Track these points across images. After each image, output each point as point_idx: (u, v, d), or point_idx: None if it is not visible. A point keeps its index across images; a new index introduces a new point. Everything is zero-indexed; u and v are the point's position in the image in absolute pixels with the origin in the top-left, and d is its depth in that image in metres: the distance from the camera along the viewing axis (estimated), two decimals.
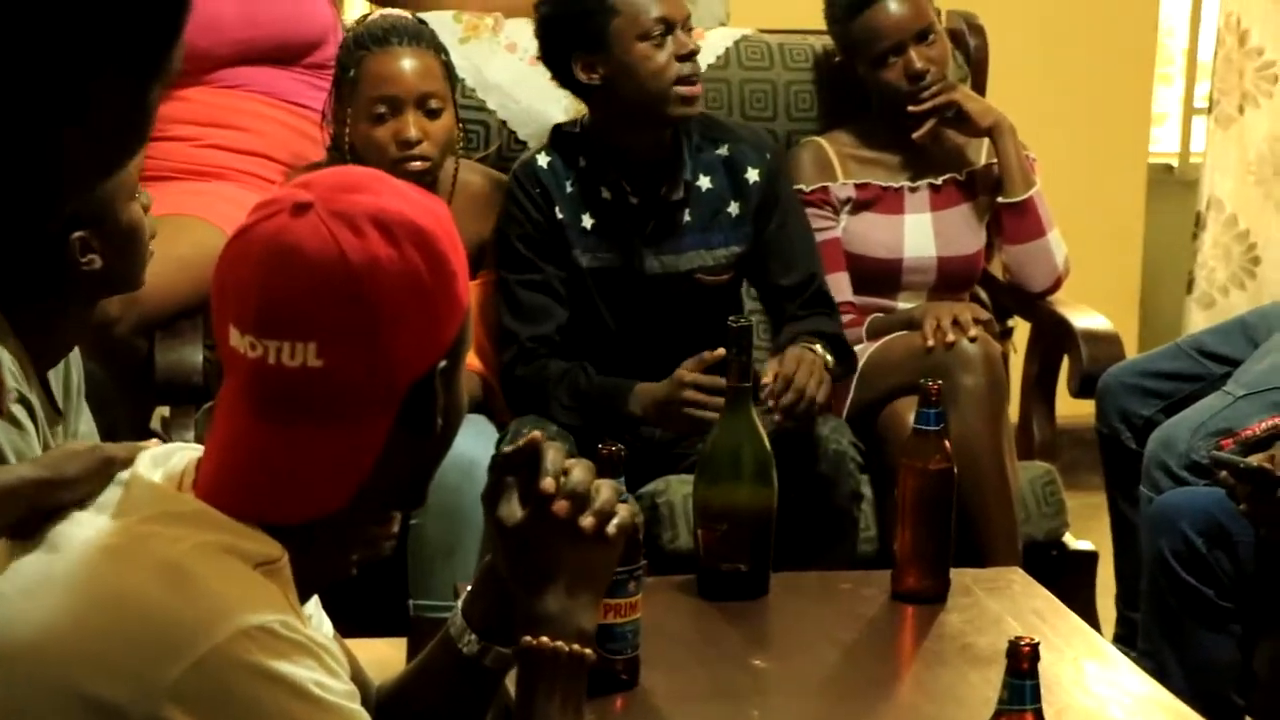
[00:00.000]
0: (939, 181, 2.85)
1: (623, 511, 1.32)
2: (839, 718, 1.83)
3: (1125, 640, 2.59)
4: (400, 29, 2.54)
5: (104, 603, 1.15)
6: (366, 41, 2.53)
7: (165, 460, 1.26)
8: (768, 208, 2.61)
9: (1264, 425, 2.29)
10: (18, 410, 1.66)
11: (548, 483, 1.29)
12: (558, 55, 2.52)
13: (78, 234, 1.71)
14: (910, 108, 2.78)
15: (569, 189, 2.56)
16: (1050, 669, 1.47)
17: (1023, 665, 1.41)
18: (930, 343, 2.55)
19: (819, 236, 2.73)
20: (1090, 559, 2.68)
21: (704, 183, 2.58)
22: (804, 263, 2.62)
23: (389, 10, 2.72)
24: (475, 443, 2.38)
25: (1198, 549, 2.35)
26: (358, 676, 1.32)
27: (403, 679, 1.44)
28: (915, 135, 2.80)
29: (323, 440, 1.20)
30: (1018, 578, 2.13)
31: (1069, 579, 2.56)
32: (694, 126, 2.56)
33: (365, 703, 1.25)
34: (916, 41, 2.76)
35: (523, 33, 2.80)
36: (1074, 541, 2.69)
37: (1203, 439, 2.46)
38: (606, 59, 2.47)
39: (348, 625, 1.51)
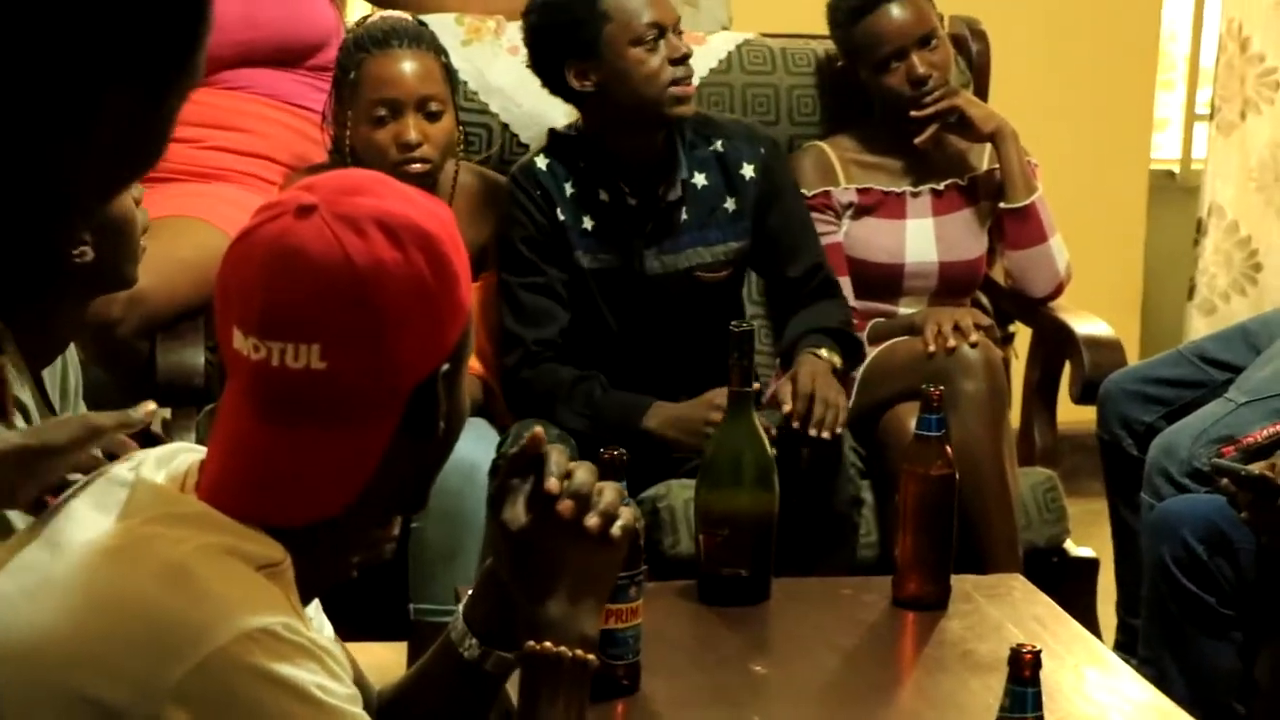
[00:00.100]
0: (941, 187, 2.85)
1: (626, 513, 1.32)
2: None
3: (1126, 647, 2.60)
4: (400, 31, 2.54)
5: (106, 604, 1.15)
6: (367, 44, 2.53)
7: (168, 461, 1.26)
8: (767, 201, 2.62)
9: (1266, 432, 2.29)
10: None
11: (552, 483, 1.29)
12: (549, 63, 2.52)
13: None
14: (912, 113, 2.78)
15: (569, 191, 2.56)
16: (1051, 676, 1.47)
17: (1024, 673, 1.41)
18: (931, 348, 2.55)
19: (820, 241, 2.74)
20: (1091, 566, 2.68)
21: (699, 180, 2.58)
22: (808, 252, 2.64)
23: (389, 12, 2.72)
24: (476, 446, 2.38)
25: (1199, 556, 2.36)
26: (359, 680, 1.32)
27: (403, 683, 1.44)
28: (917, 140, 2.80)
29: (326, 443, 1.20)
30: (1019, 584, 2.13)
31: (1070, 585, 2.56)
32: (686, 124, 2.57)
33: (366, 707, 1.25)
34: (919, 47, 2.76)
35: None
36: (1075, 548, 2.69)
37: (1204, 446, 2.46)
38: (599, 65, 2.47)
39: (348, 629, 1.51)
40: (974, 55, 3.02)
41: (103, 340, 2.47)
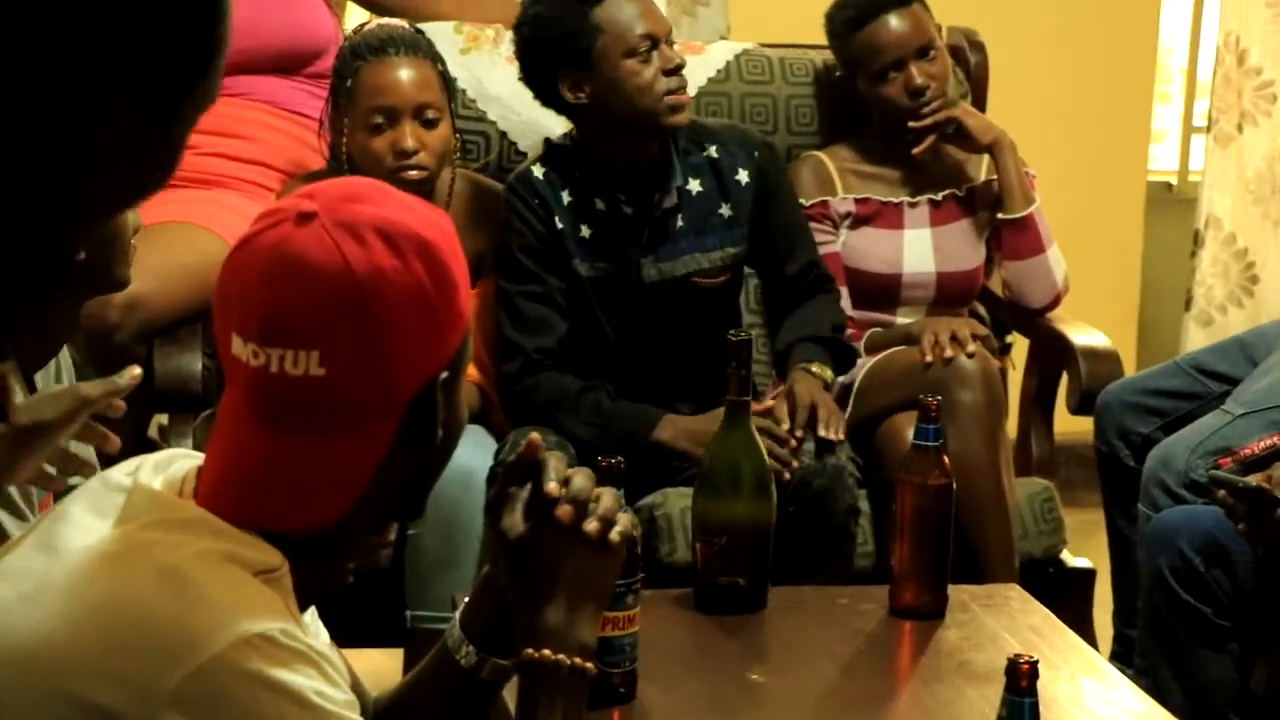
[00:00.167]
0: (939, 197, 2.86)
1: (624, 519, 1.32)
2: None
3: (1122, 658, 2.60)
4: (397, 39, 2.54)
5: (104, 609, 1.15)
6: (363, 51, 2.53)
7: (165, 467, 1.26)
8: (764, 204, 2.63)
9: (1263, 444, 2.30)
10: None
11: (552, 486, 1.29)
12: (542, 75, 2.52)
13: None
14: (910, 123, 2.78)
15: (566, 200, 2.56)
16: (1048, 687, 1.47)
17: (1022, 683, 1.41)
18: (928, 358, 2.55)
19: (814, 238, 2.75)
20: (1088, 576, 2.68)
21: (694, 186, 2.59)
22: (803, 249, 2.66)
23: (386, 20, 2.72)
24: (474, 454, 2.38)
25: (1196, 567, 2.36)
26: (355, 687, 1.32)
27: (400, 690, 1.44)
28: (915, 151, 2.80)
29: (324, 449, 1.20)
30: (1015, 594, 2.13)
31: (1066, 596, 2.56)
32: (680, 131, 2.57)
33: (363, 713, 1.25)
34: (917, 57, 2.76)
35: None
36: (1071, 559, 2.69)
37: (1201, 457, 2.46)
38: (593, 77, 2.47)
39: (344, 635, 1.51)
40: (972, 66, 3.03)
41: (100, 345, 2.47)
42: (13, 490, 1.83)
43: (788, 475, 2.33)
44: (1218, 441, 2.46)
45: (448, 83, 2.60)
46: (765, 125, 2.91)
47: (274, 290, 1.18)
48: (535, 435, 1.34)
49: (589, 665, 1.31)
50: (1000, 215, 2.84)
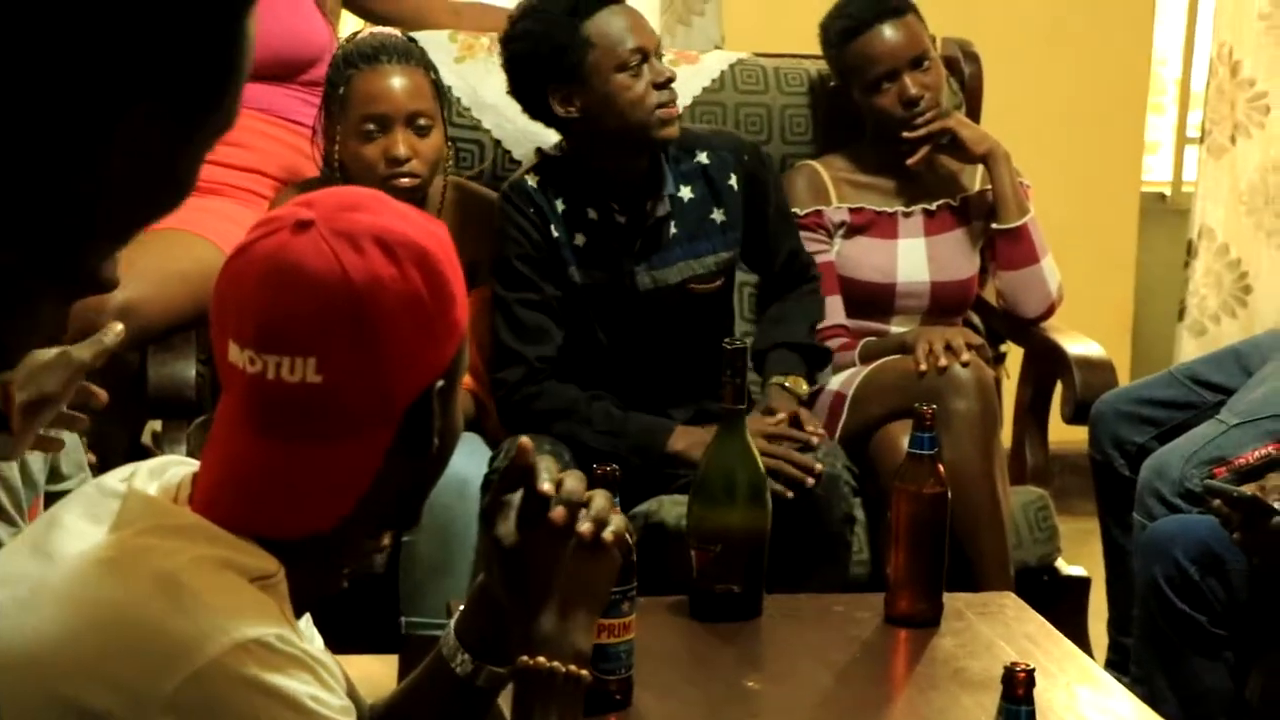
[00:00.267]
0: (933, 207, 2.86)
1: (616, 520, 1.32)
2: None
3: (1117, 666, 2.60)
4: (390, 47, 2.54)
5: (100, 615, 1.15)
6: (356, 59, 2.54)
7: (160, 474, 1.26)
8: (755, 204, 2.64)
9: (1257, 454, 2.30)
10: None
11: (546, 485, 1.29)
12: (531, 89, 2.52)
13: None
14: (904, 134, 2.78)
15: (560, 208, 2.56)
16: (1043, 695, 1.47)
17: (1018, 691, 1.41)
18: (923, 367, 2.55)
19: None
20: (1082, 584, 2.68)
21: (685, 193, 2.60)
22: (787, 240, 2.70)
23: (379, 28, 2.72)
24: (468, 461, 2.38)
25: (1191, 576, 2.36)
26: (350, 694, 1.32)
27: (395, 698, 1.44)
28: (909, 161, 2.80)
29: (320, 457, 1.20)
30: (1010, 602, 2.13)
31: (1061, 604, 2.56)
32: (670, 141, 2.58)
33: None
34: (911, 68, 2.76)
35: None
36: (1066, 567, 2.69)
37: (1196, 467, 2.46)
38: (584, 91, 2.47)
39: (339, 642, 1.51)
40: (966, 77, 3.03)
41: None
42: (2, 496, 1.83)
43: (791, 494, 2.34)
44: (1212, 451, 2.47)
45: (440, 90, 2.60)
46: (760, 135, 2.91)
47: (271, 297, 1.18)
48: (525, 439, 1.34)
49: (584, 673, 1.30)
50: (994, 225, 2.84)
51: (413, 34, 2.71)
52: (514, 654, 1.31)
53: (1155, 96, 4.28)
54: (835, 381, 2.69)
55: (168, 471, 1.26)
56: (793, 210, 2.77)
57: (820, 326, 2.75)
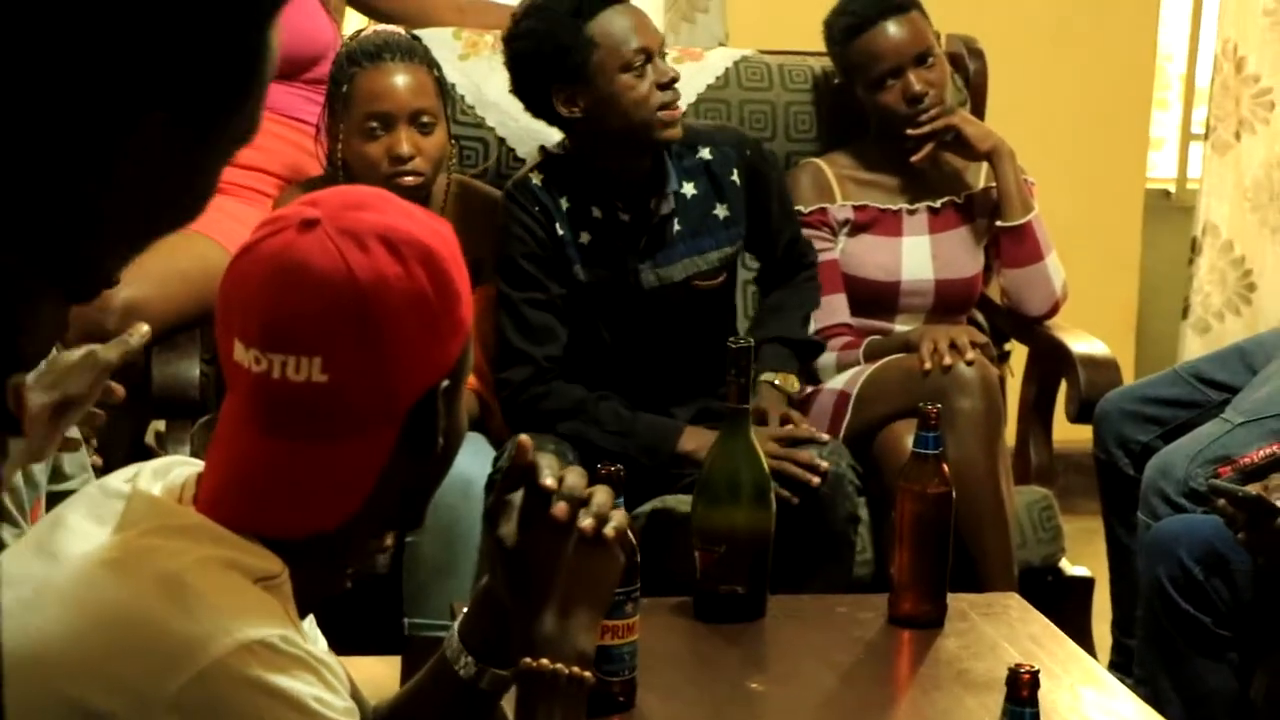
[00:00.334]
0: (937, 204, 2.86)
1: (618, 515, 1.32)
2: None
3: (1120, 667, 2.60)
4: (393, 44, 2.54)
5: (105, 615, 1.15)
6: (359, 57, 2.53)
7: (164, 474, 1.26)
8: (759, 200, 2.65)
9: (1262, 453, 2.30)
10: None
11: (549, 480, 1.29)
12: (534, 88, 2.52)
13: None
14: (908, 131, 2.78)
15: (564, 206, 2.56)
16: (1047, 696, 1.47)
17: (1023, 693, 1.42)
18: (927, 366, 2.55)
19: (818, 258, 2.76)
20: (1086, 585, 2.68)
21: (688, 189, 2.60)
22: (788, 230, 2.72)
23: (383, 26, 2.72)
24: (472, 461, 2.38)
25: (1195, 576, 2.36)
26: (354, 695, 1.32)
27: (398, 701, 1.44)
28: (913, 158, 2.80)
29: (325, 456, 1.20)
30: (1014, 603, 2.13)
31: (1065, 605, 2.56)
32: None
33: None
34: (915, 65, 2.76)
35: None
36: (1070, 567, 2.69)
37: (1200, 466, 2.46)
38: (588, 91, 2.47)
39: (342, 642, 1.51)
40: (971, 73, 3.03)
41: None
42: (5, 499, 1.83)
43: (796, 500, 2.34)
44: (1217, 450, 2.47)
45: (444, 88, 2.60)
46: (764, 132, 2.91)
47: (277, 296, 1.18)
48: (524, 437, 1.34)
49: (587, 674, 1.30)
50: (999, 223, 2.84)
51: (416, 31, 2.71)
52: (516, 655, 1.30)
53: (1160, 92, 4.28)
54: (839, 380, 2.69)
55: (172, 472, 1.26)
56: (797, 208, 2.77)
57: (824, 325, 2.76)
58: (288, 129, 2.80)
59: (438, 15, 2.98)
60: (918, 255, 2.82)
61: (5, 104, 0.86)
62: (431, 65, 2.58)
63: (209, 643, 1.13)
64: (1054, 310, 2.87)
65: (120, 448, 2.55)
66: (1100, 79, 3.97)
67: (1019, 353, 2.98)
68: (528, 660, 1.29)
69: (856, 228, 2.82)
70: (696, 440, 2.46)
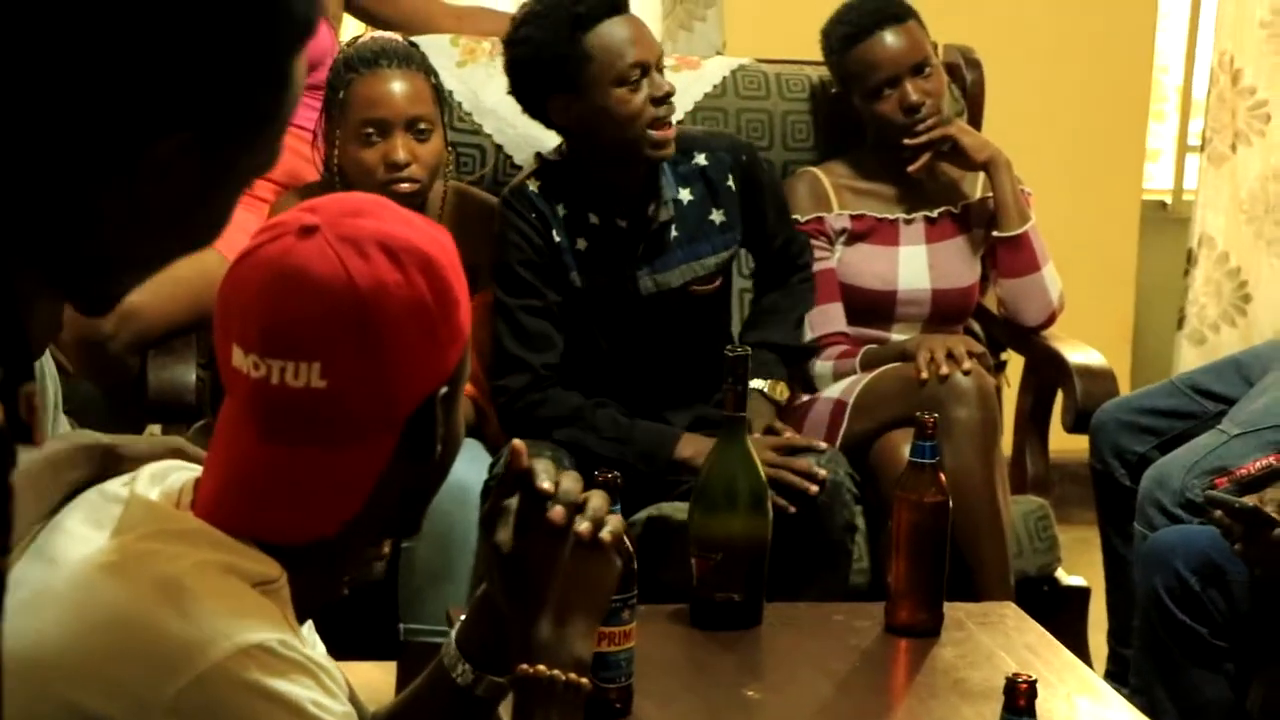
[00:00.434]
0: (934, 214, 2.86)
1: (614, 520, 1.32)
2: None
3: (1117, 677, 2.60)
4: (390, 51, 2.54)
5: (103, 619, 1.15)
6: (356, 63, 2.54)
7: (162, 479, 1.26)
8: (754, 205, 2.66)
9: (1258, 464, 2.30)
10: None
11: (546, 484, 1.29)
12: (531, 94, 2.53)
13: None
14: (905, 140, 2.79)
15: (561, 213, 2.57)
16: (1043, 705, 1.48)
17: (1020, 702, 1.42)
18: (924, 375, 2.55)
19: (814, 267, 2.76)
20: (1082, 595, 2.68)
21: (684, 195, 2.61)
22: (782, 232, 2.72)
23: (380, 33, 2.72)
24: (469, 468, 2.38)
25: (1191, 587, 2.36)
26: (353, 700, 1.32)
27: (395, 707, 1.44)
28: (910, 168, 2.81)
29: (324, 462, 1.20)
30: (1010, 612, 2.13)
31: (1061, 614, 2.56)
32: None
33: None
34: (912, 74, 2.77)
35: None
36: (1066, 577, 2.69)
37: (1197, 477, 2.46)
38: (581, 102, 2.47)
39: (337, 648, 1.51)
40: (968, 83, 3.04)
41: (94, 355, 2.47)
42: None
43: (793, 509, 2.34)
44: (1213, 461, 2.47)
45: (441, 95, 2.60)
46: (761, 141, 2.92)
47: (276, 302, 1.18)
48: (518, 442, 1.34)
49: (584, 681, 1.30)
50: (995, 233, 2.85)
51: (414, 38, 2.72)
52: (513, 662, 1.30)
53: (1157, 104, 4.29)
54: (836, 389, 2.70)
55: (170, 476, 1.26)
56: (794, 217, 2.78)
57: (821, 334, 2.76)
58: (286, 135, 2.79)
59: (435, 22, 2.98)
60: (914, 265, 2.83)
61: (30, 117, 0.86)
62: (429, 72, 2.59)
63: (207, 647, 1.13)
64: (1050, 320, 2.87)
65: None
66: (1097, 90, 3.98)
67: (1015, 362, 2.99)
68: (524, 666, 1.29)
69: (853, 237, 2.83)
70: (694, 447, 2.46)
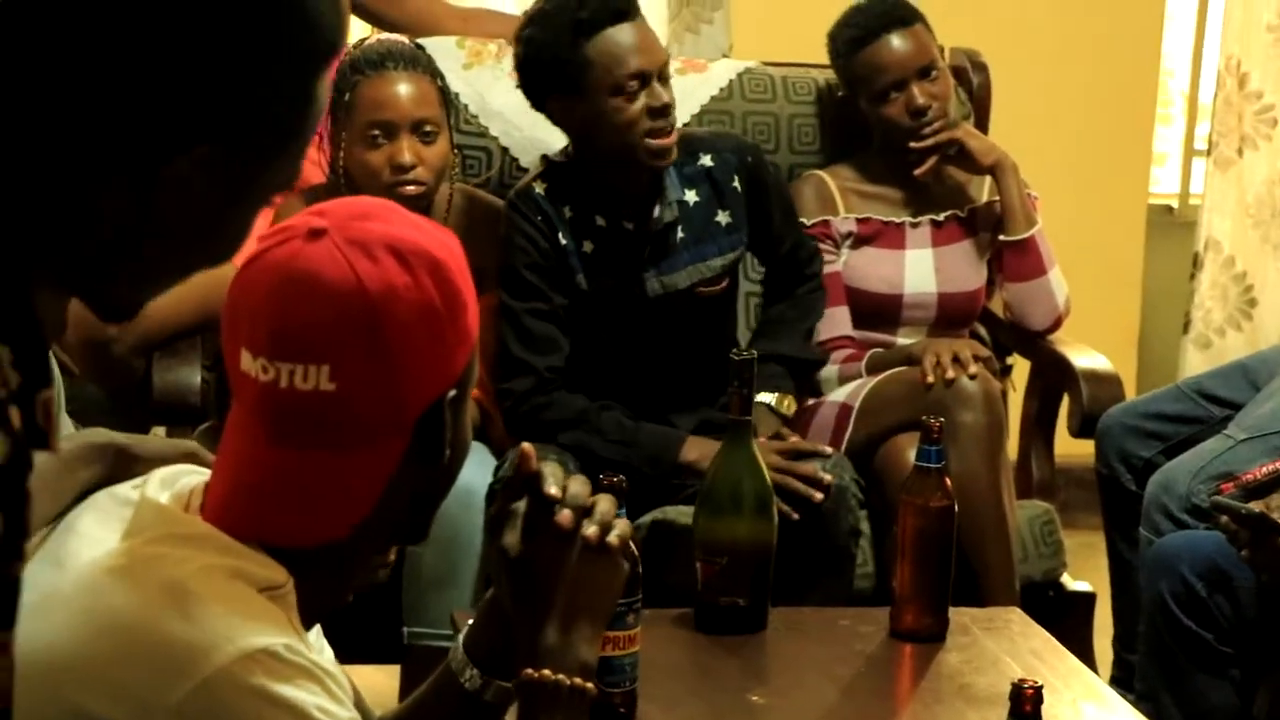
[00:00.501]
0: (941, 218, 2.86)
1: (621, 524, 1.32)
2: None
3: (1122, 683, 2.60)
4: (396, 54, 2.55)
5: (109, 623, 1.15)
6: (362, 66, 2.54)
7: (172, 483, 1.26)
8: (760, 206, 2.65)
9: (1265, 469, 2.30)
10: None
11: (553, 490, 1.30)
12: (536, 93, 2.54)
13: None
14: (912, 144, 2.79)
15: (567, 215, 2.57)
16: (1049, 711, 1.47)
17: (1025, 708, 1.42)
18: (930, 379, 2.55)
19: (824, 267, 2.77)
20: (1088, 600, 2.68)
21: (690, 196, 2.61)
22: (790, 234, 2.72)
23: (386, 35, 2.73)
24: (474, 471, 2.37)
25: (1197, 593, 2.36)
26: (358, 706, 1.32)
27: (402, 712, 1.44)
28: (917, 172, 2.81)
29: (333, 466, 1.20)
30: (1016, 617, 2.13)
31: (1066, 619, 2.55)
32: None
33: None
34: (919, 78, 2.77)
35: None
36: (1071, 582, 2.69)
37: (1203, 482, 2.46)
38: (581, 106, 2.48)
39: (341, 651, 1.51)
40: (975, 87, 3.04)
41: (98, 357, 2.47)
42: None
43: (797, 515, 2.34)
44: (1220, 466, 2.47)
45: (447, 98, 2.61)
46: (767, 144, 2.92)
47: (285, 305, 1.18)
48: (527, 446, 1.34)
49: (589, 686, 1.30)
50: (1002, 237, 2.85)
51: (420, 40, 2.72)
52: (518, 666, 1.31)
53: (1163, 108, 4.29)
54: (841, 393, 2.70)
55: (180, 480, 1.26)
56: (800, 220, 2.78)
57: (826, 337, 2.76)
58: None
59: (441, 24, 2.98)
60: (921, 268, 2.83)
61: (54, 128, 0.87)
62: (435, 74, 2.59)
63: (213, 651, 1.13)
64: (1056, 325, 2.87)
65: None
66: (1104, 93, 3.98)
67: (1021, 367, 2.98)
68: (529, 671, 1.29)
69: (859, 240, 2.83)
70: (699, 450, 2.46)
